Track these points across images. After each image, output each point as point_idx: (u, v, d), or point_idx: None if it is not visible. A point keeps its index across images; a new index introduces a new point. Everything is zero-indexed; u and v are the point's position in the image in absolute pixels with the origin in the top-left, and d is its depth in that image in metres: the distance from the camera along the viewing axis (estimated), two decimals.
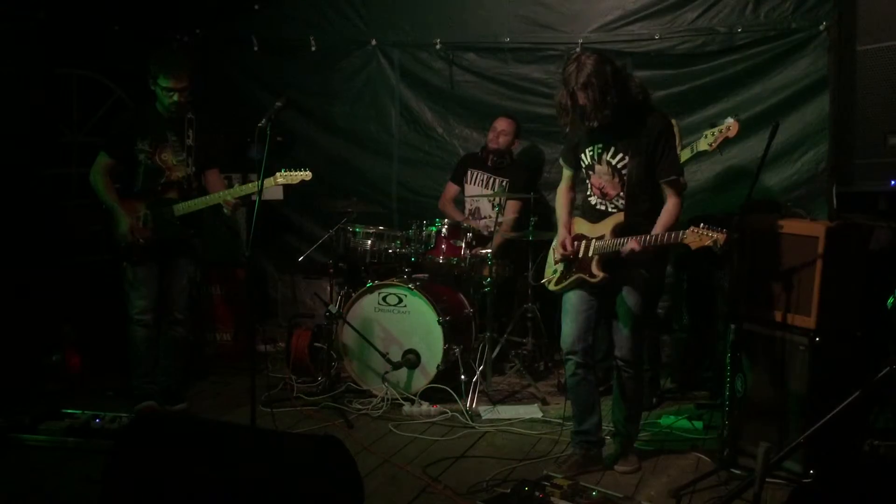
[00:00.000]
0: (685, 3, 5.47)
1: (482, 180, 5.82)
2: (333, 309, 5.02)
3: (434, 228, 5.32)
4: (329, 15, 6.34)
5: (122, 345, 4.68)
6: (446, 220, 5.37)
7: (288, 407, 4.79)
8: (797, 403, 3.77)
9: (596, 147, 3.80)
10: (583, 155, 3.87)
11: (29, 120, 5.33)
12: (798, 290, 3.83)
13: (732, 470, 3.77)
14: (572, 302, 3.90)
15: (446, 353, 4.88)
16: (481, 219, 5.76)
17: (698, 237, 3.46)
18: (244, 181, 5.54)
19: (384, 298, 5.05)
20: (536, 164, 6.03)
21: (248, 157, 6.09)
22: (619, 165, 3.75)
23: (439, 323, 4.87)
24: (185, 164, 4.58)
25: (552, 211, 4.33)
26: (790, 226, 3.94)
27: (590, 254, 3.81)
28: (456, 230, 5.32)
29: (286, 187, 5.09)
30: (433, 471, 3.92)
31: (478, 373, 4.95)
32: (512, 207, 5.63)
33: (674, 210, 3.71)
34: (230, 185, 4.74)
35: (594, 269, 3.79)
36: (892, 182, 3.69)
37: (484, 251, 5.23)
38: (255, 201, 3.86)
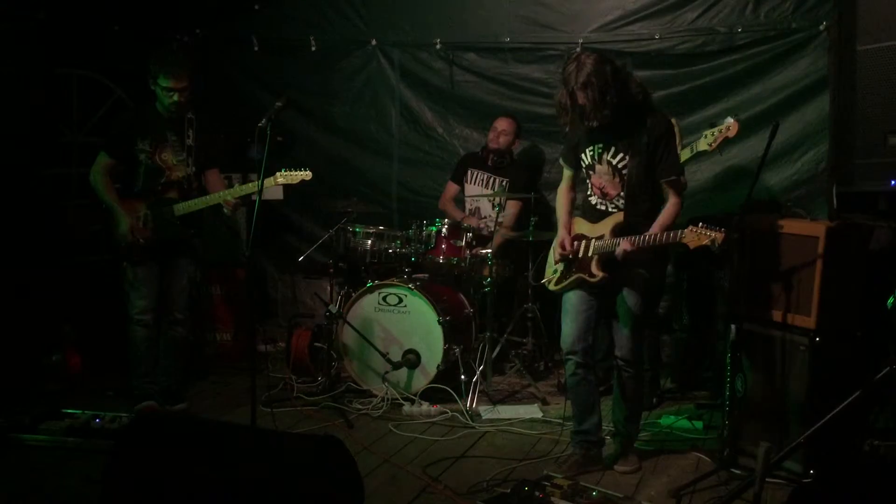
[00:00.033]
0: (685, 3, 5.47)
1: (482, 180, 5.82)
2: (333, 309, 5.02)
3: (434, 228, 5.32)
4: (329, 15, 6.34)
5: (122, 345, 4.68)
6: (446, 220, 5.37)
7: (288, 407, 4.79)
8: (797, 403, 3.77)
9: (596, 147, 3.80)
10: (583, 155, 3.87)
11: (29, 120, 5.33)
12: (798, 290, 3.83)
13: (732, 470, 3.77)
14: (572, 302, 3.90)
15: (446, 353, 4.88)
16: (481, 218, 5.76)
17: (697, 237, 3.47)
18: (244, 181, 5.53)
19: (384, 298, 5.05)
20: (536, 164, 6.03)
21: (248, 157, 6.08)
22: (619, 165, 3.75)
23: (439, 323, 4.87)
24: (185, 163, 4.58)
25: (552, 211, 4.33)
26: (790, 226, 3.94)
27: (589, 254, 3.81)
28: (456, 230, 5.32)
29: (286, 187, 5.09)
30: (433, 471, 3.92)
31: (478, 373, 4.95)
32: (512, 207, 5.63)
33: (673, 210, 3.71)
34: (230, 185, 4.74)
35: (594, 268, 3.79)
36: (892, 182, 3.69)
37: (484, 251, 5.23)
38: (255, 201, 3.86)
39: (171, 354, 4.74)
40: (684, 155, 4.55)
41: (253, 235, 3.94)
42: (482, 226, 5.61)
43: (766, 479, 3.24)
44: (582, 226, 3.93)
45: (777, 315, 3.91)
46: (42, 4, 5.29)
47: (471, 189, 5.85)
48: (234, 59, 6.57)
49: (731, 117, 4.52)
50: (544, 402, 4.94)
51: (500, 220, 5.26)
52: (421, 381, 4.94)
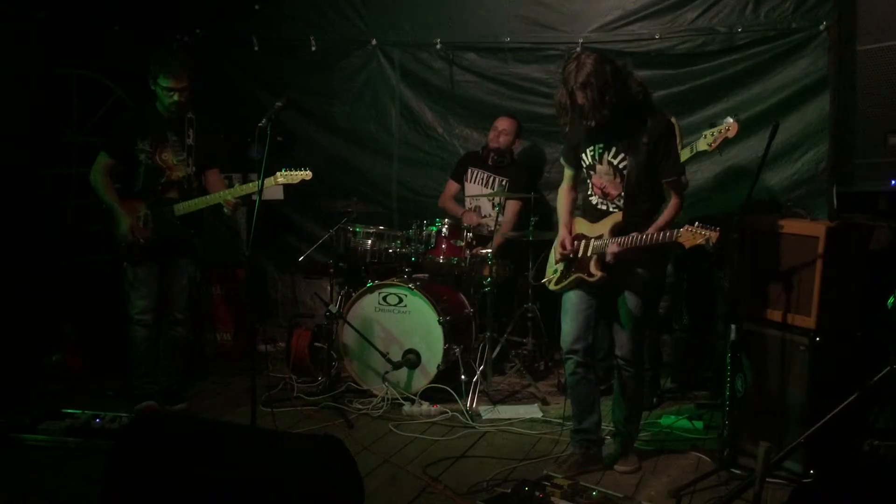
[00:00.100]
0: (685, 2, 5.47)
1: (482, 179, 5.82)
2: (333, 309, 5.02)
3: (434, 228, 5.31)
4: (329, 15, 6.33)
5: (122, 345, 4.68)
6: (446, 220, 5.37)
7: (288, 407, 4.79)
8: (797, 403, 3.77)
9: (597, 147, 3.80)
10: (584, 155, 3.87)
11: (29, 120, 5.33)
12: (798, 290, 3.83)
13: (732, 470, 3.77)
14: (572, 301, 3.90)
15: (446, 352, 4.87)
16: (482, 217, 5.75)
17: (692, 236, 3.47)
18: (244, 181, 5.53)
19: (384, 298, 5.05)
20: (537, 164, 6.03)
21: (248, 157, 6.09)
22: (620, 165, 3.75)
23: (439, 323, 4.87)
24: (186, 163, 4.58)
25: (552, 211, 4.34)
26: (790, 226, 3.94)
27: (589, 253, 3.82)
28: (456, 230, 5.32)
29: (286, 187, 5.09)
30: (433, 471, 3.92)
31: (478, 373, 4.95)
32: (512, 207, 5.63)
33: (673, 211, 3.73)
34: (230, 185, 4.74)
35: (592, 268, 3.79)
36: (892, 182, 3.69)
37: (484, 251, 5.23)
38: (255, 201, 3.86)
39: (171, 354, 4.74)
40: (684, 155, 4.55)
41: (253, 235, 3.94)
42: (482, 223, 5.61)
43: (766, 479, 3.24)
44: (582, 225, 3.93)
45: (777, 315, 3.91)
46: (42, 4, 5.29)
47: (471, 188, 5.86)
48: (234, 59, 6.57)
49: (731, 117, 4.52)
50: (544, 402, 4.94)
51: (499, 219, 5.26)
52: (421, 381, 4.94)
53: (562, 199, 4.04)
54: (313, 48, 6.32)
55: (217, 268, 5.82)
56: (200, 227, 4.72)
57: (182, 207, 4.55)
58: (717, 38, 5.42)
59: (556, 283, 3.97)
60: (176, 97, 4.45)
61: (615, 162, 3.76)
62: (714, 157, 5.17)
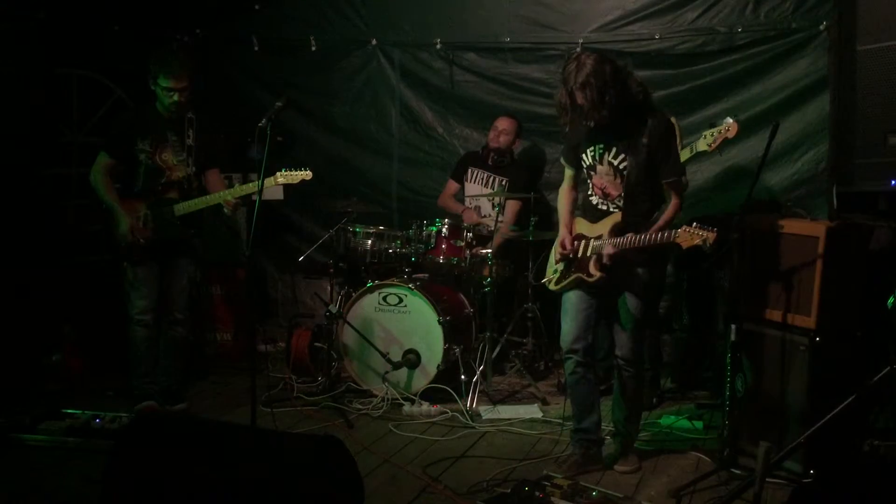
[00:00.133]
0: (685, 3, 5.47)
1: (482, 179, 5.82)
2: (333, 309, 5.02)
3: (434, 228, 5.31)
4: (329, 15, 6.33)
5: (122, 345, 4.68)
6: (446, 220, 5.36)
7: (288, 407, 4.79)
8: (797, 403, 3.77)
9: (597, 147, 3.80)
10: (584, 155, 3.86)
11: (29, 120, 5.33)
12: (798, 290, 3.83)
13: (732, 470, 3.77)
14: (572, 301, 3.90)
15: (446, 352, 4.88)
16: (482, 216, 5.75)
17: (689, 236, 3.47)
18: (244, 181, 5.54)
19: (384, 298, 5.05)
20: (537, 164, 6.03)
21: (248, 157, 6.09)
22: (620, 166, 3.75)
23: (439, 323, 4.87)
24: (186, 163, 4.58)
25: (553, 211, 4.34)
26: (790, 226, 3.94)
27: (588, 253, 3.82)
28: (456, 230, 5.32)
29: (286, 187, 5.09)
30: (433, 471, 3.92)
31: (478, 373, 4.95)
32: (512, 207, 5.63)
33: (672, 211, 3.73)
34: (230, 185, 4.74)
35: (591, 268, 3.79)
36: (892, 182, 3.69)
37: (484, 251, 5.23)
38: (255, 201, 3.86)
39: (171, 354, 4.74)
40: (684, 155, 4.55)
41: (253, 235, 3.94)
42: (482, 222, 5.61)
43: (766, 479, 3.24)
44: (582, 225, 3.93)
45: (777, 315, 3.91)
46: (42, 4, 5.29)
47: (471, 188, 5.86)
48: (234, 59, 6.57)
49: (731, 118, 4.52)
50: (544, 402, 4.94)
51: (499, 219, 5.26)
52: (421, 381, 4.94)
53: (562, 199, 4.04)
54: (313, 48, 6.32)
55: (217, 268, 5.82)
56: (200, 227, 4.72)
57: (182, 207, 4.55)
58: (717, 38, 5.42)
59: (556, 283, 3.97)
60: (176, 97, 4.45)
61: (615, 162, 3.75)
62: (714, 157, 5.17)
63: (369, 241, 5.37)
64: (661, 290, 4.06)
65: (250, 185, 4.55)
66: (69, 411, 4.35)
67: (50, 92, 5.49)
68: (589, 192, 3.92)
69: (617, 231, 3.74)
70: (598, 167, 3.81)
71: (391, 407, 4.79)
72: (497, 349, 5.24)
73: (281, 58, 6.46)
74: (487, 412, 4.73)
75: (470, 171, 5.87)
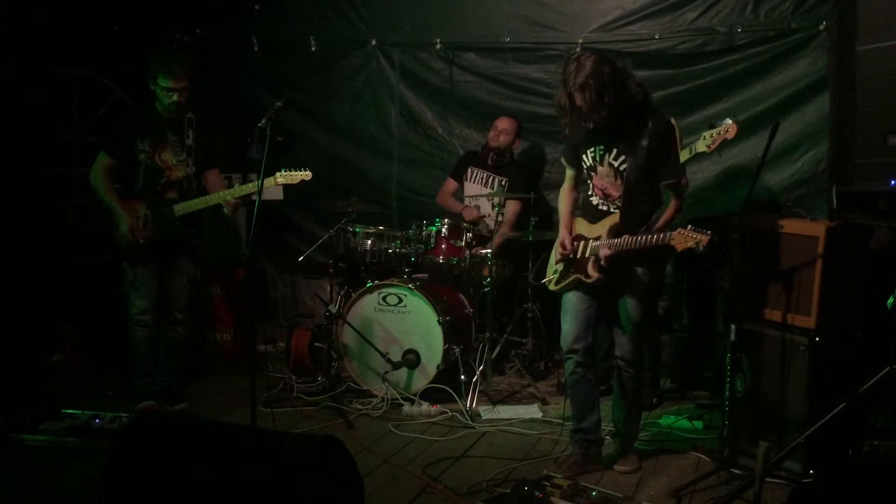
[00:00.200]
0: (685, 3, 5.47)
1: (482, 178, 5.82)
2: (333, 309, 5.02)
3: (434, 228, 5.31)
4: (329, 15, 6.33)
5: (122, 345, 4.68)
6: (446, 220, 5.36)
7: (288, 407, 4.79)
8: (797, 403, 3.77)
9: (598, 148, 3.80)
10: (584, 156, 3.86)
11: (29, 120, 5.33)
12: (798, 290, 3.83)
13: (732, 470, 3.77)
14: (572, 301, 3.90)
15: (446, 353, 4.87)
16: (481, 216, 5.75)
17: (684, 239, 3.47)
18: (244, 181, 5.54)
19: (384, 298, 5.05)
20: (537, 164, 6.03)
21: (248, 157, 6.09)
22: (620, 167, 3.74)
23: (439, 323, 4.87)
24: (185, 164, 4.58)
25: (553, 211, 4.34)
26: (790, 226, 3.94)
27: (587, 254, 3.82)
28: (456, 230, 5.32)
29: (286, 187, 5.09)
30: (433, 471, 3.92)
31: (478, 373, 4.95)
32: (512, 207, 5.63)
33: (671, 213, 3.73)
34: (230, 185, 4.74)
35: (590, 269, 3.79)
36: (892, 182, 3.69)
37: (484, 251, 5.23)
38: (255, 201, 3.86)
39: (171, 354, 4.74)
40: (683, 156, 4.55)
41: (253, 235, 3.94)
42: (482, 216, 5.61)
43: (766, 479, 3.24)
44: (582, 226, 3.93)
45: (777, 315, 3.91)
46: (42, 4, 5.29)
47: (470, 188, 5.86)
48: (234, 59, 6.57)
49: (730, 119, 4.52)
50: (544, 402, 4.94)
51: (499, 219, 5.26)
52: (421, 381, 4.94)
53: (563, 200, 4.04)
54: (313, 48, 6.32)
55: (217, 268, 5.82)
56: (200, 228, 4.72)
57: (182, 208, 4.55)
58: (716, 38, 5.42)
59: (556, 284, 3.97)
60: (175, 97, 4.45)
61: (616, 164, 3.75)
62: (714, 158, 5.16)
63: (369, 241, 5.37)
64: (660, 290, 4.06)
65: (250, 185, 4.55)
66: (69, 411, 4.35)
67: (50, 92, 5.49)
68: (589, 193, 3.92)
69: (614, 232, 3.74)
70: (599, 168, 3.81)
71: (391, 407, 4.79)
72: (497, 349, 5.24)
73: (281, 58, 6.46)
74: (487, 412, 4.73)
75: (470, 170, 5.87)
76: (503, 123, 5.72)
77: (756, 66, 5.35)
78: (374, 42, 6.27)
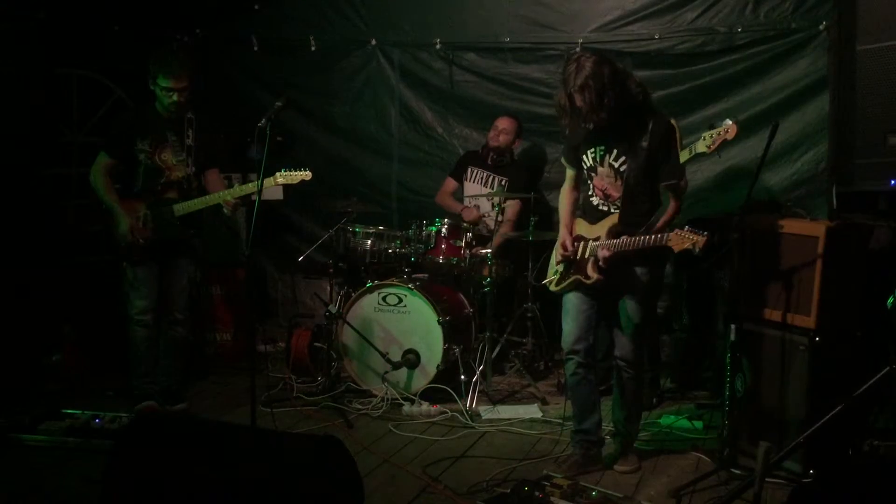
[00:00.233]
0: (685, 2, 5.47)
1: (482, 178, 5.82)
2: (333, 309, 5.02)
3: (434, 228, 5.31)
4: (329, 15, 6.33)
5: (122, 345, 4.68)
6: (446, 220, 5.36)
7: (288, 407, 4.79)
8: (797, 403, 3.77)
9: (598, 149, 3.79)
10: (585, 157, 3.86)
11: (29, 120, 5.33)
12: (798, 290, 3.83)
13: (732, 470, 3.77)
14: (573, 302, 3.90)
15: (446, 352, 4.87)
16: (480, 216, 5.75)
17: (680, 240, 3.47)
18: (244, 181, 5.54)
19: (384, 298, 5.05)
20: (537, 164, 6.03)
21: (248, 157, 6.08)
22: (621, 168, 3.74)
23: (439, 323, 4.87)
24: (185, 163, 4.58)
25: (553, 210, 4.34)
26: (790, 226, 3.94)
27: (586, 255, 3.82)
28: (456, 230, 5.32)
29: (286, 187, 5.09)
30: (433, 471, 3.92)
31: (478, 373, 4.95)
32: (512, 207, 5.63)
33: (669, 214, 3.73)
34: (230, 185, 4.75)
35: (589, 270, 3.79)
36: (892, 182, 3.70)
37: (484, 251, 5.23)
38: (255, 201, 3.86)
39: (171, 354, 4.74)
40: (683, 156, 4.53)
41: (253, 235, 3.94)
42: (481, 216, 5.61)
43: (766, 479, 3.24)
44: (582, 227, 3.93)
45: (777, 315, 3.91)
46: (42, 4, 5.29)
47: (470, 187, 5.86)
48: (234, 59, 6.57)
49: (731, 119, 4.50)
50: (544, 402, 4.94)
51: (499, 219, 5.26)
52: (421, 381, 4.94)
53: (563, 200, 4.03)
54: (313, 48, 6.32)
55: (217, 268, 5.82)
56: (200, 228, 4.72)
57: (181, 208, 4.55)
58: (716, 38, 5.42)
59: (557, 285, 3.98)
60: (175, 97, 4.45)
61: (616, 165, 3.75)
62: (714, 158, 5.15)
63: (369, 241, 5.37)
64: (659, 290, 4.06)
65: (250, 185, 4.55)
66: (69, 411, 4.35)
67: (50, 92, 5.49)
68: (590, 193, 3.92)
69: (613, 233, 3.74)
70: (600, 169, 3.81)
71: (391, 407, 4.79)
72: (497, 349, 5.24)
73: (281, 58, 6.46)
74: (487, 412, 4.73)
75: (469, 170, 5.87)
76: (503, 123, 5.72)
77: (756, 66, 5.35)
78: (374, 42, 6.27)
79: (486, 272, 5.20)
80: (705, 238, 3.42)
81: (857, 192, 3.93)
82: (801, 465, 3.71)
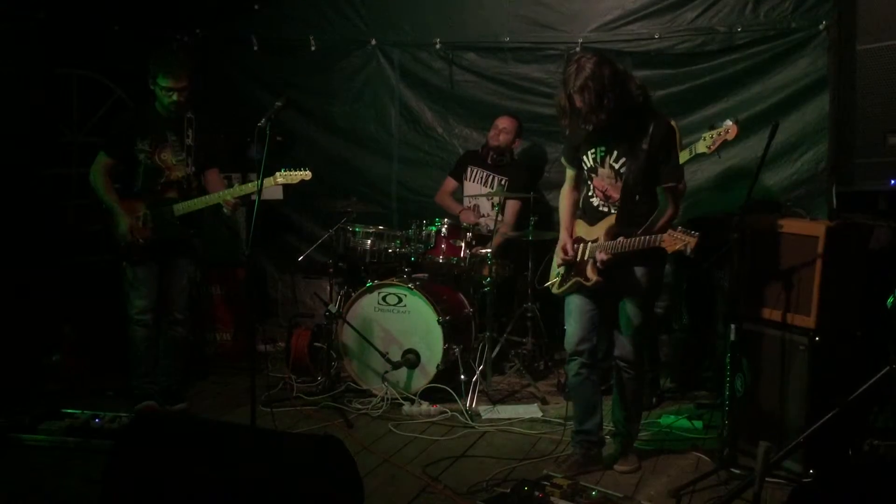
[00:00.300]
0: (685, 2, 5.46)
1: (482, 177, 5.82)
2: (333, 309, 5.02)
3: (434, 228, 5.31)
4: (329, 15, 6.33)
5: (122, 345, 4.68)
6: (446, 220, 5.36)
7: (288, 407, 4.79)
8: (797, 403, 3.77)
9: (598, 150, 3.79)
10: (585, 157, 3.86)
11: (29, 120, 5.33)
12: (798, 289, 3.83)
13: (732, 470, 3.77)
14: (575, 303, 3.90)
15: (446, 352, 4.88)
16: (480, 216, 5.75)
17: (673, 240, 3.47)
18: (244, 181, 5.54)
19: (384, 298, 5.05)
20: (537, 164, 6.03)
21: (248, 157, 6.08)
22: (621, 169, 3.74)
23: (439, 323, 4.87)
24: (185, 163, 4.59)
25: (552, 210, 4.33)
26: (790, 225, 3.94)
27: (586, 257, 3.82)
28: (456, 230, 5.32)
29: (286, 187, 5.09)
30: (433, 470, 3.92)
31: (477, 372, 4.95)
32: (511, 207, 5.63)
33: (668, 216, 3.72)
34: (230, 185, 4.75)
35: (589, 272, 3.79)
36: (892, 182, 3.70)
37: (484, 251, 5.23)
38: (254, 201, 3.86)
39: (170, 354, 4.74)
40: (683, 157, 4.53)
41: (253, 235, 3.94)
42: (480, 221, 5.61)
43: (766, 479, 3.24)
44: (581, 228, 3.93)
45: (777, 315, 3.91)
46: (42, 4, 5.29)
47: (470, 187, 5.86)
48: (234, 59, 6.57)
49: (731, 120, 4.50)
50: (544, 402, 4.94)
51: (499, 219, 5.26)
52: (421, 380, 4.94)
53: (564, 201, 4.03)
54: (313, 48, 6.32)
55: (217, 268, 5.82)
56: (200, 227, 4.72)
57: (181, 207, 4.55)
58: (716, 37, 5.41)
59: (559, 287, 3.98)
60: (175, 97, 4.45)
61: (616, 166, 3.75)
62: (714, 158, 5.13)
63: (369, 241, 5.37)
64: (659, 290, 4.06)
65: (250, 185, 4.55)
66: (69, 411, 4.35)
67: (50, 92, 5.49)
68: (590, 194, 3.91)
69: (611, 234, 3.74)
70: (600, 170, 3.81)
71: (391, 407, 4.79)
72: (497, 349, 5.24)
73: (281, 58, 6.46)
74: (487, 412, 4.73)
75: (469, 169, 5.87)
76: (503, 123, 5.72)
77: (756, 66, 5.35)
78: (373, 42, 6.26)
79: (486, 272, 5.20)
80: (696, 238, 3.41)
81: (857, 191, 3.93)
82: (801, 464, 3.71)
